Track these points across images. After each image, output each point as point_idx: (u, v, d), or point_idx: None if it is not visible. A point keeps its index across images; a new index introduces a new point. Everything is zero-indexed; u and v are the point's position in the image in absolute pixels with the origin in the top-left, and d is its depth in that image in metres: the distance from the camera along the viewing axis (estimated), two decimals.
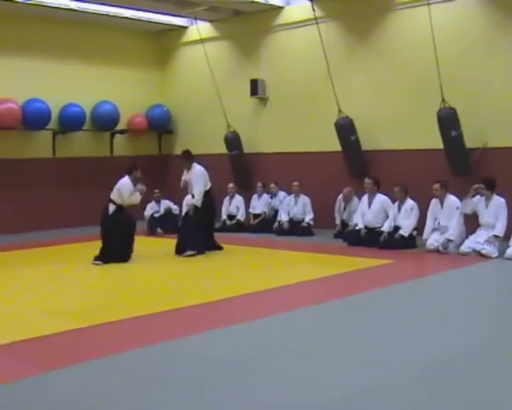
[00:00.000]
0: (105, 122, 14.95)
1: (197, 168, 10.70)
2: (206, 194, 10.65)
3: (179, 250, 10.44)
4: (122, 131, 15.40)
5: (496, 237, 9.78)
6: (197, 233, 10.42)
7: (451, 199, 10.26)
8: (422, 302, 7.35)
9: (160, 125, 15.92)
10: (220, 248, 10.87)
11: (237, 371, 5.00)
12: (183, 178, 10.81)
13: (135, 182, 9.93)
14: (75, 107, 14.36)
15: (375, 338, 5.83)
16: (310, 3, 12.77)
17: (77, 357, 5.41)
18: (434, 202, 10.38)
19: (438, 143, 11.31)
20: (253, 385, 4.69)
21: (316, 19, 12.53)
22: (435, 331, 6.04)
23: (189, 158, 10.80)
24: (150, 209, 13.36)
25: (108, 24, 14.91)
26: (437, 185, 10.26)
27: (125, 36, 15.51)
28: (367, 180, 11.33)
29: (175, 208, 13.34)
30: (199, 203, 10.48)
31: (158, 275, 9.16)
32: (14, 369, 5.15)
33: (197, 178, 10.59)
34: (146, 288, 8.29)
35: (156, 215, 13.30)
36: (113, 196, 9.89)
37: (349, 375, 4.86)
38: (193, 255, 10.24)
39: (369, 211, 11.15)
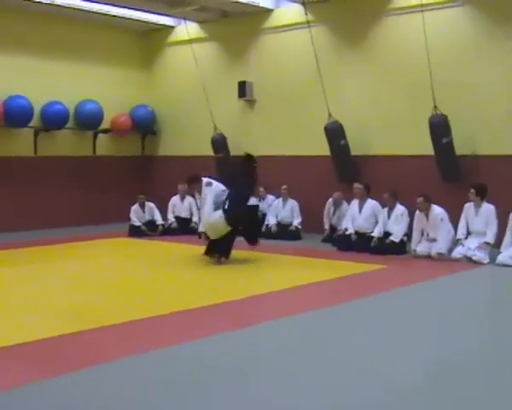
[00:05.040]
0: (88, 121, 14.67)
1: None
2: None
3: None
4: (105, 131, 15.15)
5: (487, 243, 9.82)
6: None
7: (435, 211, 10.15)
8: (418, 308, 7.32)
9: (145, 125, 15.69)
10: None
11: (237, 375, 4.92)
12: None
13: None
14: (58, 104, 14.08)
15: (373, 344, 5.80)
16: (299, 6, 12.75)
17: (78, 362, 5.26)
18: (419, 215, 10.28)
19: (428, 149, 11.32)
20: (252, 388, 4.60)
21: (308, 22, 12.46)
22: (433, 337, 6.06)
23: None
24: (134, 213, 13.08)
25: (94, 21, 14.67)
26: (420, 199, 10.12)
27: (111, 34, 15.28)
28: (357, 185, 11.28)
29: (158, 219, 13.17)
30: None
31: (156, 279, 8.98)
32: (15, 374, 4.97)
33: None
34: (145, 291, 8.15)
35: (138, 224, 12.97)
36: None
37: (349, 380, 4.84)
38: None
39: (359, 216, 11.11)
